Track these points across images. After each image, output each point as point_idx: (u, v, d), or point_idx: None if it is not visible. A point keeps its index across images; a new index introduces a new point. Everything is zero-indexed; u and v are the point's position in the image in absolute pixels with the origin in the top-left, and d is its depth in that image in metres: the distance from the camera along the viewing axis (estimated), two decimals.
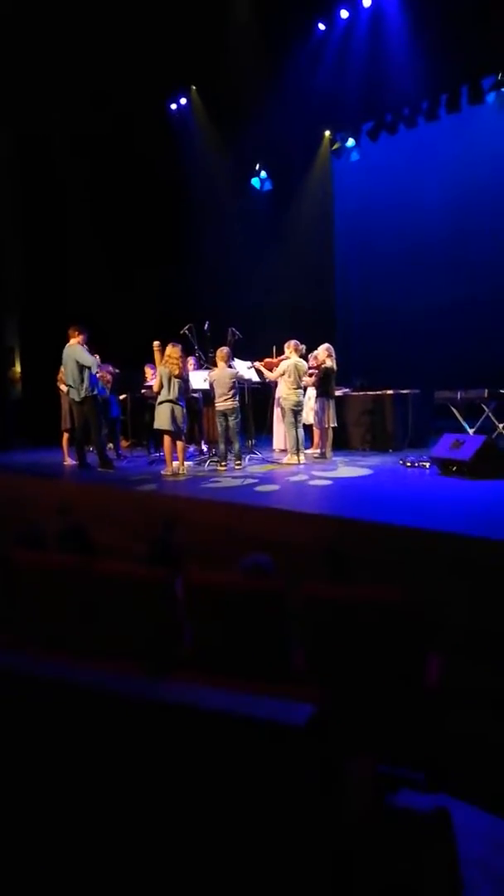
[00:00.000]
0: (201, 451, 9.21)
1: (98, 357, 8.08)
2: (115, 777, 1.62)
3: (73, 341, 7.83)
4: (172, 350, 7.30)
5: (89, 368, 7.75)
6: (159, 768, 1.58)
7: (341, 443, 8.87)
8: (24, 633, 3.37)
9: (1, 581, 3.62)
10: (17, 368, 13.13)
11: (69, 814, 1.67)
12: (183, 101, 12.48)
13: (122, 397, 9.55)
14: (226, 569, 4.24)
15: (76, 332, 7.85)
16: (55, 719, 1.69)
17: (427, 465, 6.88)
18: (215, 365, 7.90)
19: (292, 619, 3.01)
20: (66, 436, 8.67)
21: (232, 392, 7.48)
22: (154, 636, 3.19)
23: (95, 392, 7.86)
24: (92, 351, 8.07)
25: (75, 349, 7.76)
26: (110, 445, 9.10)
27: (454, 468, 6.25)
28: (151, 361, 9.22)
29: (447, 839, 2.33)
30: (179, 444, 7.39)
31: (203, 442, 9.51)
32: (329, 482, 6.51)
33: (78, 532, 3.74)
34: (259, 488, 6.29)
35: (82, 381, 7.71)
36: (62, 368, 8.50)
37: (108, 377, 8.83)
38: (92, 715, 1.65)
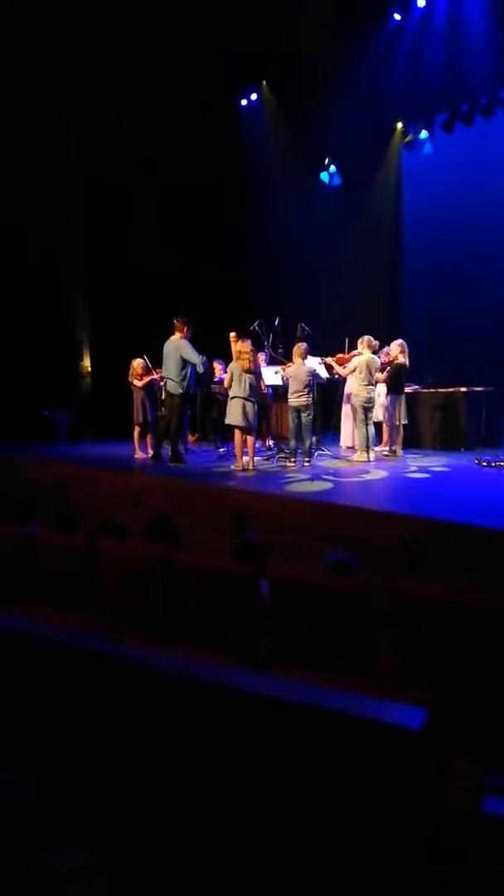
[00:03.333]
0: (268, 448, 9.22)
1: (204, 357, 7.99)
2: (222, 767, 1.63)
3: (177, 335, 7.79)
4: (243, 346, 7.32)
5: (193, 365, 7.75)
6: (268, 762, 1.58)
7: (411, 440, 8.72)
8: (109, 620, 3.43)
9: (86, 568, 3.72)
10: (87, 363, 13.44)
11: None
12: (254, 96, 12.49)
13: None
14: (300, 564, 4.23)
15: (182, 326, 7.78)
16: (157, 702, 1.71)
17: None
18: (286, 360, 7.88)
19: (377, 617, 2.97)
20: (137, 429, 8.80)
21: (307, 388, 7.46)
22: (238, 629, 3.21)
23: (190, 391, 7.85)
24: (156, 354, 8.05)
25: (180, 344, 7.73)
26: None
27: None
28: (220, 356, 9.30)
29: None
30: (249, 439, 7.42)
31: (269, 438, 9.52)
32: (401, 480, 6.42)
33: (164, 523, 3.79)
34: (330, 485, 6.25)
35: (183, 376, 7.70)
36: (133, 363, 8.64)
37: None
38: (200, 703, 1.66)
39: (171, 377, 7.78)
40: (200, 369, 7.86)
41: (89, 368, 13.45)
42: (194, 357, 7.71)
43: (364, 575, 3.22)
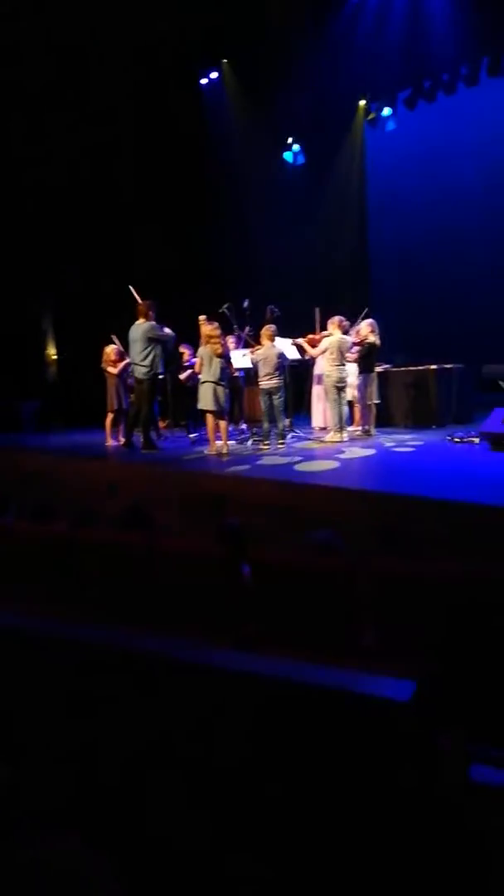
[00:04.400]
0: (241, 431, 9.19)
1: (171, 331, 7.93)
2: (228, 747, 1.62)
3: (142, 319, 7.69)
4: (212, 330, 7.26)
5: (161, 344, 7.65)
6: (264, 739, 1.58)
7: (383, 419, 8.75)
8: (90, 609, 3.39)
9: (66, 558, 3.66)
10: (52, 351, 13.20)
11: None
12: (214, 75, 12.28)
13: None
14: (280, 547, 4.23)
15: (146, 311, 7.70)
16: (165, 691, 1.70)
17: (476, 440, 6.77)
18: (256, 343, 7.84)
19: (360, 596, 2.99)
20: (110, 417, 8.69)
21: (278, 371, 7.44)
22: (221, 612, 3.20)
23: (159, 371, 7.78)
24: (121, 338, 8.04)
25: (147, 327, 7.63)
26: None
27: None
28: (187, 341, 9.21)
29: None
30: (222, 423, 7.39)
31: (242, 421, 9.48)
32: (377, 459, 6.45)
33: (138, 511, 3.75)
34: (306, 466, 6.25)
35: (150, 360, 7.61)
36: (106, 350, 8.52)
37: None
38: (202, 688, 1.65)
39: (137, 362, 7.71)
40: (171, 344, 7.77)
41: (55, 356, 13.22)
42: (163, 335, 7.66)
43: (346, 554, 3.23)
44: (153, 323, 7.68)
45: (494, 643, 2.78)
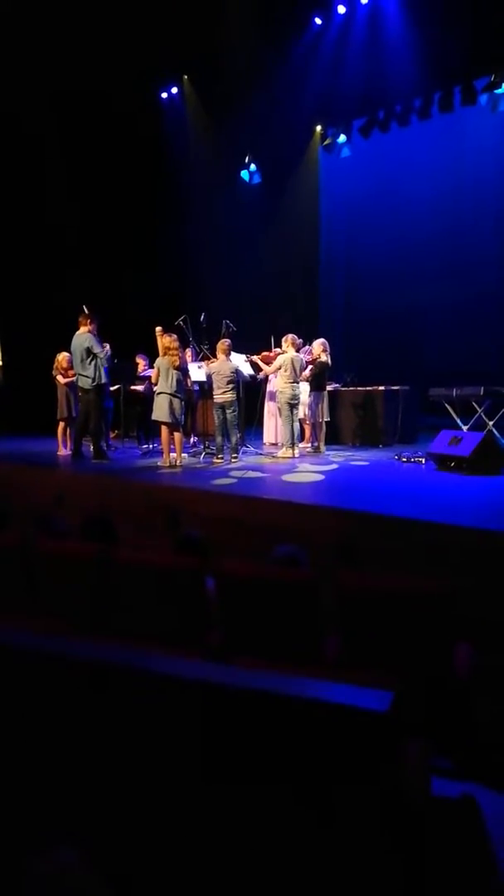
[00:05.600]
0: (193, 445, 9.20)
1: (108, 347, 7.97)
2: (212, 762, 1.63)
3: (82, 329, 7.68)
4: (171, 342, 7.27)
5: (98, 357, 7.64)
6: (247, 754, 1.60)
7: (331, 437, 8.93)
8: (49, 620, 3.33)
9: (23, 568, 3.59)
10: None
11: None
12: (174, 90, 12.38)
13: (113, 388, 9.44)
14: (237, 559, 4.26)
15: (86, 320, 7.69)
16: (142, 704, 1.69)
17: (423, 460, 6.98)
18: (212, 356, 7.88)
19: (324, 608, 3.05)
20: (62, 425, 8.55)
21: (231, 385, 7.49)
22: (186, 624, 3.20)
23: (103, 381, 7.74)
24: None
25: (85, 337, 7.61)
26: None
27: (452, 464, 6.35)
28: (143, 351, 9.19)
29: (476, 824, 2.40)
30: (177, 435, 7.38)
31: (192, 435, 9.49)
32: (328, 476, 6.57)
33: (102, 522, 3.72)
34: (259, 481, 6.31)
35: (93, 369, 7.58)
36: (58, 357, 8.41)
37: None
38: (180, 702, 1.65)
39: (79, 372, 7.68)
40: (102, 362, 7.73)
41: (0, 363, 12.92)
42: (97, 348, 7.67)
43: (310, 568, 3.28)
44: (92, 335, 7.67)
45: (445, 655, 2.89)
